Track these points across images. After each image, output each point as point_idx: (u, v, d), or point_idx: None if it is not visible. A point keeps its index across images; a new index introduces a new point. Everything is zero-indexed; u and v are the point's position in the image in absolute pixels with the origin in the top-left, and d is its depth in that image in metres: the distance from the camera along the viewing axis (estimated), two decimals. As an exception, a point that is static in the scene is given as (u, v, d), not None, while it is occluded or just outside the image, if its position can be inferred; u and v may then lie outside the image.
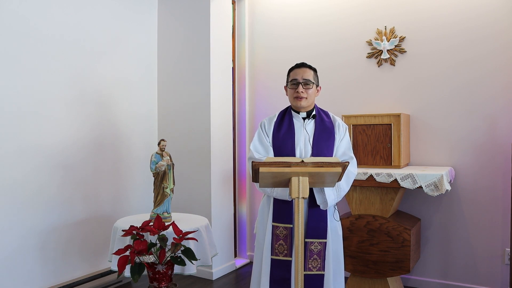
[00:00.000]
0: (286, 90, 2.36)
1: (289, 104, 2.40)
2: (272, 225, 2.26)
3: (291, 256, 2.23)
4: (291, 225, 2.22)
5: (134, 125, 3.80)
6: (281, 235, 2.24)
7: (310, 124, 2.31)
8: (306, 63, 2.33)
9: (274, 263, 2.24)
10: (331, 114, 2.40)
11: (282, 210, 2.24)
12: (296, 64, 2.34)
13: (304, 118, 2.32)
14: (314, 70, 2.33)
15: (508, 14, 3.15)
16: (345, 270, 2.69)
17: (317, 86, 2.34)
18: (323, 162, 1.86)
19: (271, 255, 2.25)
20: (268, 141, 2.32)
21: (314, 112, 2.34)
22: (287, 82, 2.34)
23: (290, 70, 2.35)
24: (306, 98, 2.27)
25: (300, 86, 2.25)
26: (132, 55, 3.78)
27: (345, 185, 2.23)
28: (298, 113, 2.33)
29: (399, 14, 3.51)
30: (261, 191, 2.31)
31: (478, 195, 3.26)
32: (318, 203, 2.21)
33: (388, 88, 3.57)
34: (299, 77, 2.27)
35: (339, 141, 2.31)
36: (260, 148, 2.32)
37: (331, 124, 2.33)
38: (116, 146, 3.63)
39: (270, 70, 4.09)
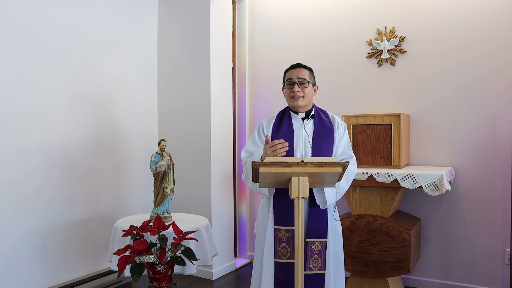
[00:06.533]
0: (284, 92, 2.37)
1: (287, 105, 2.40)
2: (274, 228, 2.26)
3: (294, 258, 2.22)
4: (293, 227, 2.22)
5: (134, 125, 3.80)
6: (283, 237, 2.24)
7: (309, 124, 2.31)
8: (301, 63, 2.33)
9: (278, 266, 2.24)
10: (329, 113, 2.40)
11: (283, 212, 2.24)
12: (291, 65, 2.34)
13: (303, 119, 2.32)
14: (310, 70, 2.33)
15: (508, 14, 3.15)
16: (345, 270, 2.69)
17: (314, 85, 2.33)
18: (323, 162, 1.86)
19: (275, 258, 2.25)
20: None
21: (312, 112, 2.34)
22: (283, 83, 2.35)
23: (286, 71, 2.35)
24: (303, 97, 2.26)
25: (296, 85, 2.25)
26: (132, 55, 3.78)
27: (345, 183, 2.23)
28: (297, 113, 2.33)
29: (399, 14, 3.51)
30: (251, 187, 2.31)
31: (478, 195, 3.26)
32: (317, 202, 2.20)
33: (388, 88, 3.57)
34: (294, 76, 2.27)
35: (339, 140, 2.31)
36: (253, 149, 2.33)
37: (330, 123, 2.33)
38: (116, 146, 3.63)
39: (270, 70, 4.09)
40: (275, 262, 2.24)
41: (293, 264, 2.22)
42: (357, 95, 3.69)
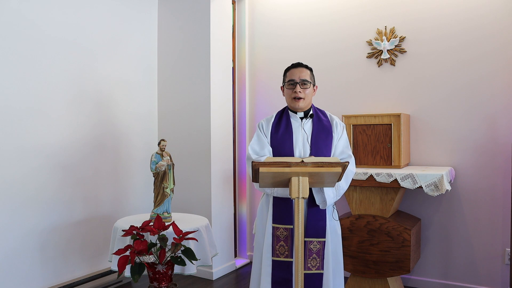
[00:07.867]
0: (283, 91, 2.36)
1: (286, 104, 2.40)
2: (272, 227, 2.26)
3: (292, 257, 2.22)
4: (292, 226, 2.22)
5: (134, 125, 3.80)
6: (281, 236, 2.24)
7: (308, 123, 2.32)
8: (302, 63, 2.33)
9: (275, 264, 2.24)
10: (328, 113, 2.40)
11: (282, 211, 2.24)
12: (292, 64, 2.34)
13: (301, 118, 2.32)
14: (311, 70, 2.34)
15: (508, 14, 3.15)
16: (345, 270, 2.69)
17: (314, 85, 2.34)
18: (323, 162, 1.87)
19: (272, 256, 2.25)
20: (267, 141, 2.32)
21: (311, 112, 2.34)
22: (283, 82, 2.34)
23: (287, 70, 2.35)
24: (304, 98, 2.27)
25: (298, 86, 2.25)
26: (132, 55, 3.78)
27: (344, 183, 2.23)
28: (296, 113, 2.33)
29: (399, 14, 3.51)
30: (261, 191, 2.31)
31: (478, 195, 3.26)
32: (317, 202, 2.21)
33: (388, 88, 3.57)
34: (296, 77, 2.27)
35: (337, 139, 2.32)
36: (258, 148, 2.32)
37: (329, 123, 2.34)
38: (116, 146, 3.63)
39: (270, 70, 4.09)
40: (273, 261, 2.24)
41: (290, 262, 2.23)
42: (357, 95, 3.69)
